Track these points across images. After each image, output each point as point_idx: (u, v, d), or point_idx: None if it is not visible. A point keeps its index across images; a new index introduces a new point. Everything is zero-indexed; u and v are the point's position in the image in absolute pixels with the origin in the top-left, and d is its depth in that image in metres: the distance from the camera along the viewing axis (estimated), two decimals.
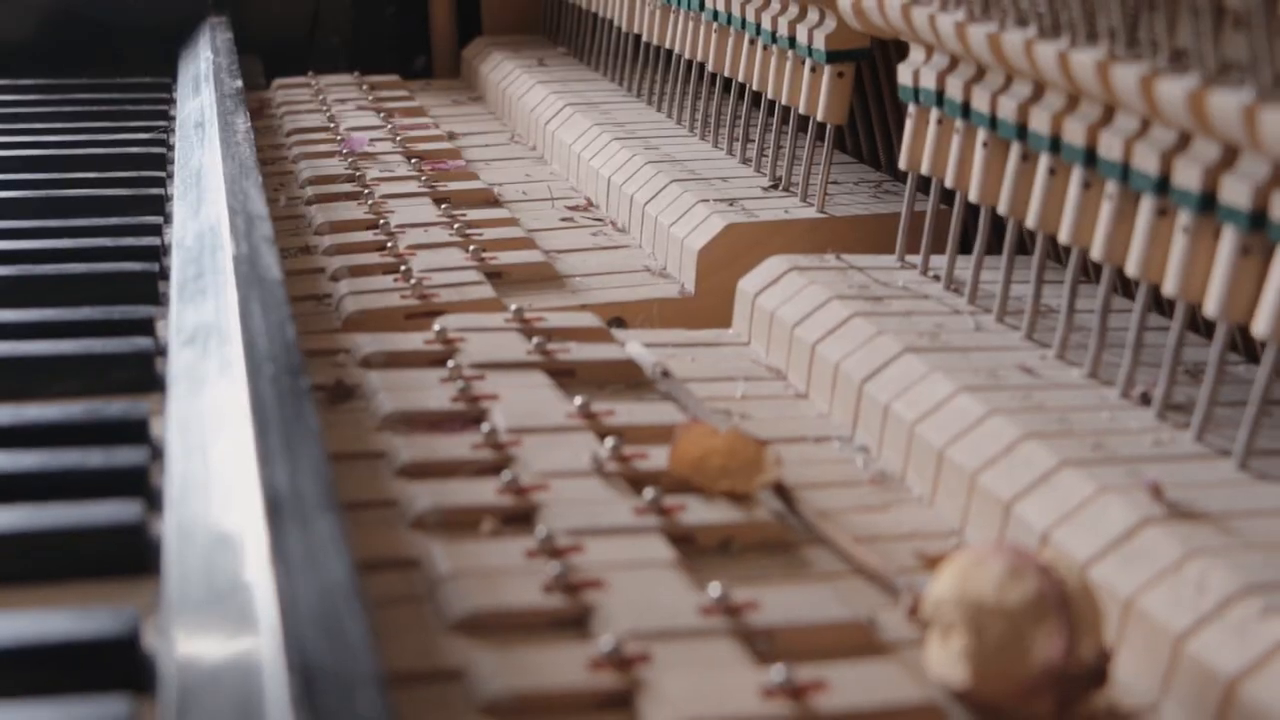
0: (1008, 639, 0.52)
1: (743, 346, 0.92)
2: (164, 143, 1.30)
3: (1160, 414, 0.71)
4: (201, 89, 1.34)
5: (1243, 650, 0.53)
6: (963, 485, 0.68)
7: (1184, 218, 0.66)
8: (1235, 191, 0.62)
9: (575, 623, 0.58)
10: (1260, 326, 0.62)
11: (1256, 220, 0.61)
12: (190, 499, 0.57)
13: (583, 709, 0.53)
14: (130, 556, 0.59)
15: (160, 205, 1.10)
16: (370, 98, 1.54)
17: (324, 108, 1.49)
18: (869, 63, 1.15)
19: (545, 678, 0.53)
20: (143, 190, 1.13)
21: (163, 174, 1.19)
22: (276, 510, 0.50)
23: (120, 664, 0.51)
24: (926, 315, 0.84)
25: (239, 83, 1.32)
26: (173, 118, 1.41)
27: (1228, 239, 0.63)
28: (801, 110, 1.04)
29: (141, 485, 0.64)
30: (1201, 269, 0.66)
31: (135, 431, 0.69)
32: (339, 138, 1.35)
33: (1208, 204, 0.64)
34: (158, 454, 0.68)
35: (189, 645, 0.48)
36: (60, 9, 1.69)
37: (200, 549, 0.52)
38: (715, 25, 1.18)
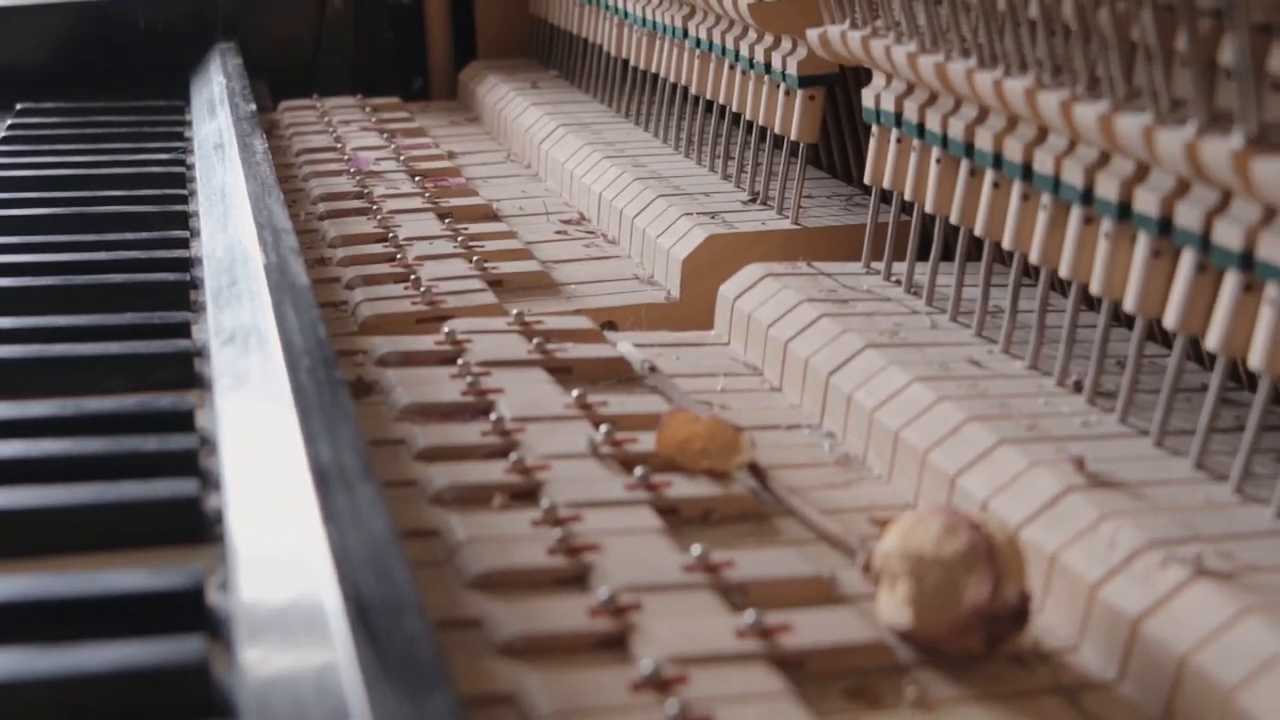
0: (944, 585, 0.61)
1: (723, 346, 1.01)
2: (182, 163, 1.39)
3: (1090, 399, 0.80)
4: (217, 112, 1.43)
5: (1145, 595, 0.62)
6: (915, 463, 0.78)
7: (1106, 225, 0.75)
8: (1146, 202, 0.71)
9: (576, 580, 0.67)
10: (1169, 319, 0.72)
11: (1164, 227, 0.71)
12: (245, 474, 0.66)
13: (583, 649, 0.62)
14: (190, 526, 0.68)
15: (185, 221, 1.19)
16: (373, 119, 1.63)
17: (329, 129, 1.58)
18: (842, 88, 1.25)
19: (551, 623, 0.62)
20: (168, 207, 1.22)
21: (185, 192, 1.28)
22: (324, 479, 0.59)
23: (191, 612, 0.60)
24: (887, 315, 0.93)
25: (253, 106, 1.41)
26: (188, 139, 1.50)
27: (1141, 243, 0.73)
28: (777, 130, 1.14)
29: (194, 466, 0.73)
30: (1121, 269, 0.75)
31: (184, 421, 0.78)
32: (346, 157, 1.44)
33: (1125, 213, 0.73)
34: (205, 440, 0.77)
35: (255, 592, 0.57)
36: (72, 35, 1.78)
37: (258, 515, 0.61)
38: (698, 51, 1.27)
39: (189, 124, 1.57)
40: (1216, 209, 0.67)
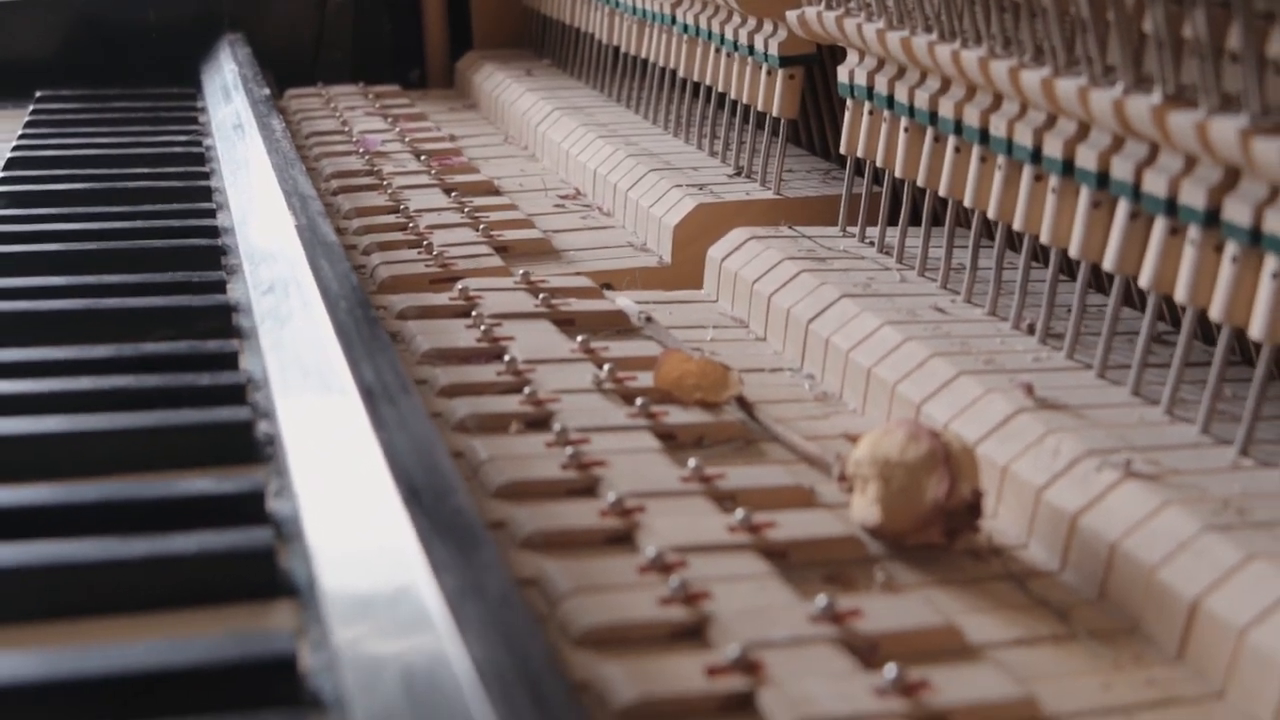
0: (907, 485, 0.71)
1: (711, 303, 1.10)
2: (200, 144, 1.48)
3: (1042, 340, 0.90)
4: (232, 96, 1.52)
5: (1083, 495, 0.72)
6: (885, 394, 0.87)
7: (1052, 181, 0.85)
8: (1085, 158, 0.81)
9: (586, 490, 0.76)
10: (1107, 263, 0.81)
11: (1102, 180, 0.80)
12: (296, 396, 0.75)
13: (595, 544, 0.71)
14: (245, 448, 0.77)
15: (209, 195, 1.28)
16: (376, 105, 1.72)
17: (335, 114, 1.67)
18: (820, 73, 1.34)
19: (565, 522, 0.71)
20: (192, 182, 1.31)
21: (206, 169, 1.37)
22: (370, 394, 0.68)
23: (255, 511, 0.69)
24: (861, 271, 1.03)
25: (267, 90, 1.50)
26: (203, 123, 1.59)
27: (1083, 196, 0.82)
28: (759, 107, 1.23)
29: (244, 398, 0.82)
30: (1066, 221, 0.84)
31: (230, 361, 0.87)
32: (354, 139, 1.53)
33: (1068, 169, 0.83)
34: (250, 379, 0.86)
35: (310, 487, 0.66)
36: (85, 28, 1.87)
37: (313, 428, 0.70)
38: (685, 36, 1.37)
39: (203, 109, 1.66)
40: (1146, 161, 0.77)
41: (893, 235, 1.08)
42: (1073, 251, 0.84)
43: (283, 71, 1.89)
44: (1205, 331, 0.89)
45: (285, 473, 0.72)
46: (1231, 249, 0.72)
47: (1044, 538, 0.73)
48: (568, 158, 1.45)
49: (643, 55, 1.49)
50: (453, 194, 1.33)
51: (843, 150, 1.10)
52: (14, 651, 0.57)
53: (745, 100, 1.25)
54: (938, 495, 0.70)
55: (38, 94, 1.71)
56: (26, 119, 1.59)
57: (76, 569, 0.61)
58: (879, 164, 1.05)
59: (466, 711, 0.45)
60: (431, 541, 0.54)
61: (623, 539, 0.71)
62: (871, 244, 1.09)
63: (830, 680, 0.58)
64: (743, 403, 0.88)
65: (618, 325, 1.01)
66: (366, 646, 0.52)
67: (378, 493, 0.60)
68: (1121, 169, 0.78)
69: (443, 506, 0.58)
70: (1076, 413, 0.79)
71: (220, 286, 1.01)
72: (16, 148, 1.43)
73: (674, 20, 1.38)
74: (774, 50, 1.19)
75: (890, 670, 0.58)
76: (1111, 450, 0.74)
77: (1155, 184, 0.76)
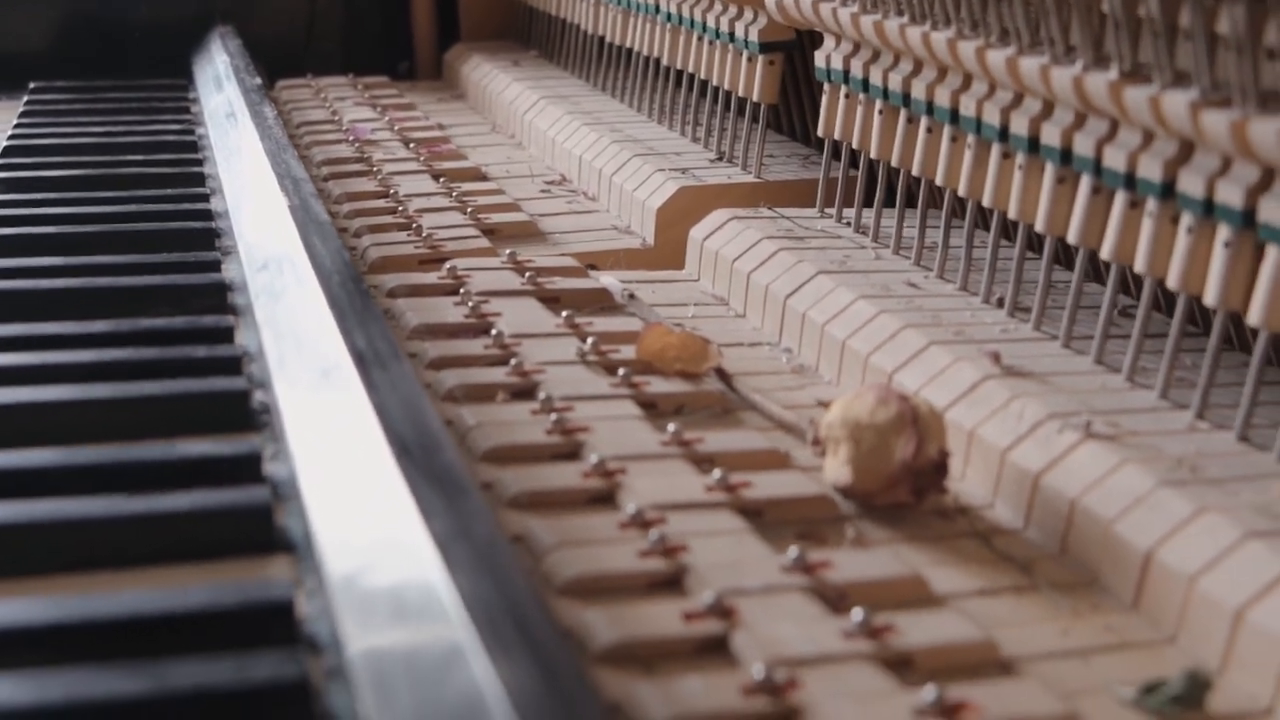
0: (877, 446, 0.74)
1: (693, 282, 1.13)
2: (192, 132, 1.51)
3: (1010, 312, 0.93)
4: (224, 86, 1.55)
5: (1045, 455, 0.75)
6: (859, 365, 0.90)
7: (1020, 159, 0.88)
8: (1049, 135, 0.84)
9: (570, 454, 0.79)
10: (1071, 236, 0.84)
11: (1065, 157, 0.84)
12: (291, 363, 0.78)
13: (577, 503, 0.74)
14: (240, 415, 0.80)
15: (202, 180, 1.31)
16: (365, 95, 1.75)
17: (325, 104, 1.70)
18: (802, 61, 1.37)
19: (549, 483, 0.74)
20: (185, 169, 1.34)
21: (199, 156, 1.40)
22: (362, 359, 0.72)
23: (251, 472, 0.72)
24: (837, 250, 1.06)
25: (258, 80, 1.53)
26: (194, 112, 1.62)
27: (1048, 172, 0.86)
28: (740, 93, 1.26)
29: (239, 368, 0.85)
30: (1032, 197, 0.88)
31: (226, 335, 0.90)
32: (344, 128, 1.56)
33: (1033, 147, 0.86)
34: (245, 353, 0.89)
35: (306, 447, 0.69)
36: (77, 21, 1.90)
37: (307, 393, 0.73)
38: (668, 25, 1.40)
39: (195, 100, 1.69)
40: (1106, 138, 0.80)
41: (869, 216, 1.11)
42: (1039, 226, 0.87)
43: (273, 64, 1.91)
44: (1170, 304, 0.93)
45: (281, 439, 0.75)
46: (1187, 220, 0.75)
47: (1009, 497, 0.77)
48: (554, 145, 1.48)
49: (627, 45, 1.52)
50: (441, 179, 1.36)
51: (820, 133, 1.13)
52: (28, 598, 0.60)
53: (727, 86, 1.29)
54: (905, 455, 0.73)
55: (31, 85, 1.74)
56: (21, 109, 1.62)
57: (86, 524, 0.65)
58: (855, 146, 1.08)
59: (456, 642, 0.49)
60: (422, 491, 0.58)
61: (605, 499, 0.74)
62: (848, 224, 1.12)
63: (800, 624, 0.61)
64: (722, 374, 0.91)
65: (602, 302, 1.04)
66: (360, 588, 0.55)
67: (370, 450, 0.63)
68: (1083, 145, 0.82)
69: (432, 461, 0.61)
70: (1041, 379, 0.82)
71: (215, 266, 1.04)
72: (13, 136, 1.46)
73: (658, 9, 1.41)
74: (754, 37, 1.22)
75: (857, 614, 0.61)
76: (1073, 414, 0.78)
77: (1115, 159, 0.79)
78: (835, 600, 0.64)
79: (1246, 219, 0.71)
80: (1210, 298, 0.75)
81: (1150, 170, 0.77)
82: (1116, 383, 0.82)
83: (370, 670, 0.50)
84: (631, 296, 1.05)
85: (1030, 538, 0.74)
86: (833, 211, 1.14)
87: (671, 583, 0.66)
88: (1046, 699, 0.58)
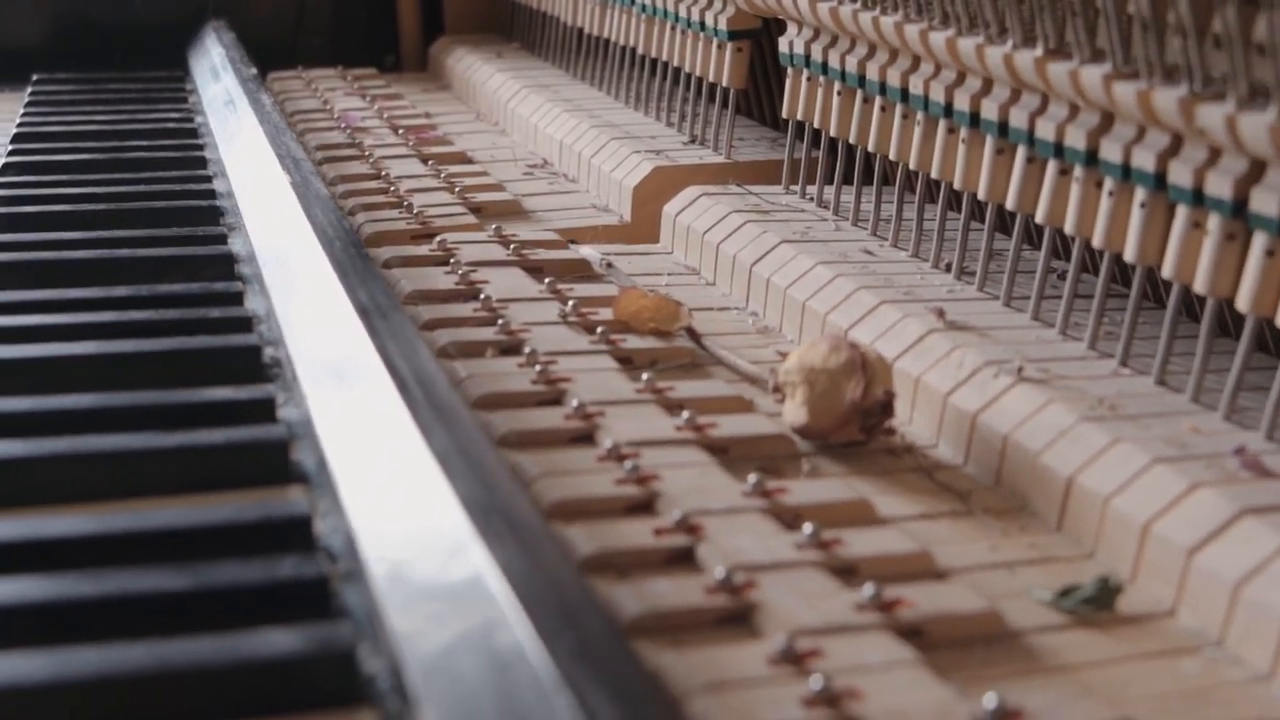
0: (829, 388, 0.82)
1: (667, 254, 1.21)
2: (191, 119, 1.59)
3: (957, 276, 1.01)
4: (221, 75, 1.63)
5: (981, 397, 0.83)
6: (818, 323, 0.99)
7: (963, 133, 0.96)
8: (988, 110, 0.93)
9: (553, 401, 0.87)
10: (1009, 203, 0.93)
11: (1002, 129, 0.92)
12: (299, 318, 0.86)
13: (559, 442, 0.82)
14: (254, 368, 0.88)
15: (204, 163, 1.39)
16: (354, 86, 1.83)
17: (316, 94, 1.77)
18: (770, 45, 1.45)
19: (534, 424, 0.82)
20: (187, 153, 1.42)
21: (200, 141, 1.47)
22: (365, 312, 0.80)
23: (266, 414, 0.80)
24: (800, 222, 1.14)
25: (254, 70, 1.61)
26: (192, 102, 1.69)
27: (988, 145, 0.94)
28: (711, 78, 1.34)
29: (252, 328, 0.93)
30: (974, 167, 0.96)
31: (237, 298, 0.98)
32: (336, 116, 1.64)
33: (974, 122, 0.95)
34: (254, 316, 0.96)
35: (322, 396, 0.77)
36: (74, 16, 1.97)
37: (317, 345, 0.81)
38: (642, 15, 1.48)
39: (192, 90, 1.76)
40: (1038, 111, 0.89)
41: (830, 192, 1.19)
42: (980, 195, 0.95)
43: (264, 57, 1.98)
44: (1123, 273, 1.01)
45: (292, 388, 0.83)
46: (1109, 184, 0.84)
47: (950, 437, 0.85)
48: (535, 131, 1.56)
49: (604, 35, 1.60)
50: (429, 163, 1.44)
51: (785, 114, 1.21)
52: (81, 516, 0.68)
53: (698, 73, 1.37)
54: (855, 396, 0.81)
55: (34, 77, 1.81)
56: (26, 100, 1.70)
57: (122, 456, 0.72)
58: (816, 125, 1.16)
59: (459, 538, 0.57)
60: (421, 415, 0.66)
61: (585, 438, 0.82)
62: (811, 199, 1.20)
63: (757, 538, 0.70)
64: (692, 333, 0.99)
65: (582, 272, 1.12)
66: (370, 494, 0.63)
67: (375, 386, 0.71)
68: (1018, 118, 0.90)
69: (432, 395, 0.69)
70: (981, 333, 0.91)
71: (223, 239, 1.12)
72: (21, 124, 1.54)
73: (633, 1, 1.49)
74: (723, 25, 1.30)
75: (808, 529, 0.69)
76: (1008, 361, 0.86)
77: (1045, 130, 0.88)
78: (789, 519, 0.72)
79: (1158, 181, 0.80)
80: (1129, 254, 0.83)
81: (1076, 139, 0.85)
82: (1050, 336, 0.91)
83: (383, 564, 0.58)
84: (609, 265, 1.13)
85: (969, 472, 0.82)
86: (797, 188, 1.23)
87: (644, 506, 0.74)
88: (972, 598, 0.67)
